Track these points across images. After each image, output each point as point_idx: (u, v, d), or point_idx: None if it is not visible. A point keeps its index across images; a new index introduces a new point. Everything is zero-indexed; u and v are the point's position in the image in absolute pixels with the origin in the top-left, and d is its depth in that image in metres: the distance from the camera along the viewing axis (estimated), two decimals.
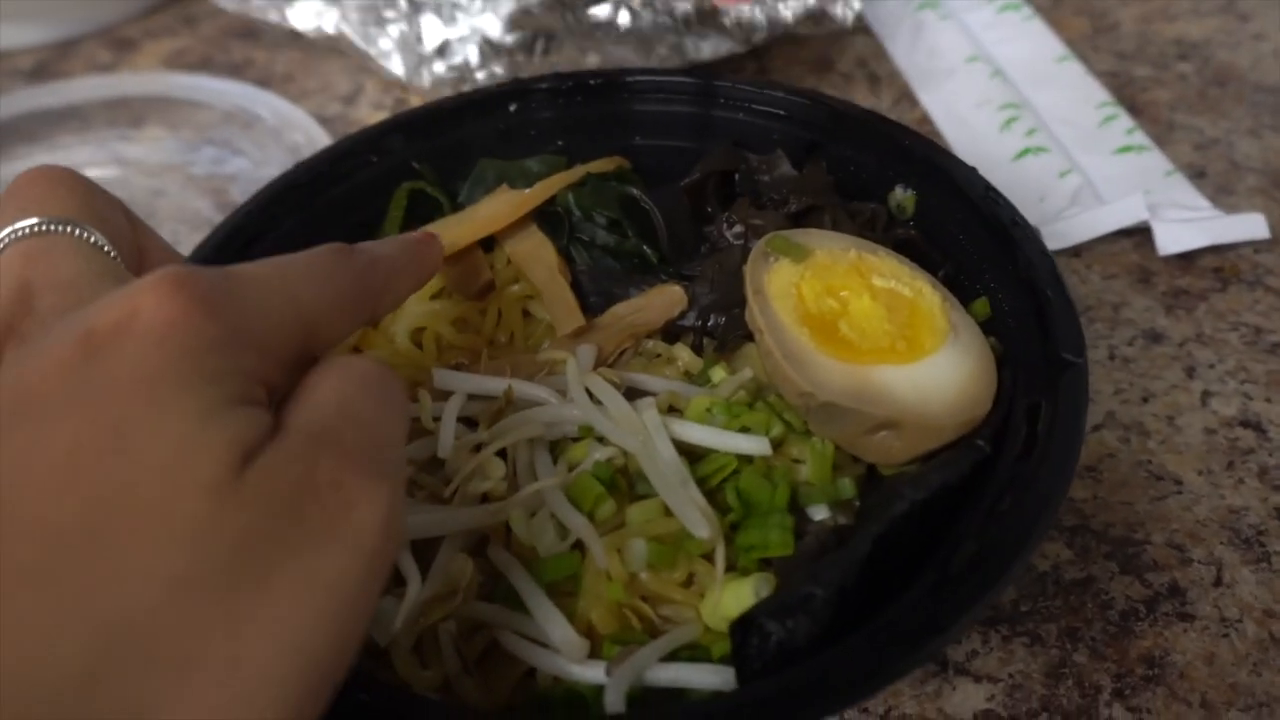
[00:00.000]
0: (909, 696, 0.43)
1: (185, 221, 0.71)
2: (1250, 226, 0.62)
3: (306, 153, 0.70)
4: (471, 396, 0.45)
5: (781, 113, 0.55)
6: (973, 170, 0.50)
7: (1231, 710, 0.42)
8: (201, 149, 0.78)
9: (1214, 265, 0.62)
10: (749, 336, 0.47)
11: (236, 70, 0.82)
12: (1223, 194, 0.67)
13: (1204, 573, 0.47)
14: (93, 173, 0.75)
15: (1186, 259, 0.62)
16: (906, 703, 0.43)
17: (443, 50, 0.74)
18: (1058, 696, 0.43)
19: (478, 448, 0.42)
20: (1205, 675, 0.43)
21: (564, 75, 0.58)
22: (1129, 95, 0.76)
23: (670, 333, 0.51)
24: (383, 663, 0.39)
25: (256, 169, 0.75)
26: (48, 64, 0.92)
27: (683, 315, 0.50)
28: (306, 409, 0.28)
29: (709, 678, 0.37)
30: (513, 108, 0.57)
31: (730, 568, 0.40)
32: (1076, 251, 0.64)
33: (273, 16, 0.79)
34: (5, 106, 0.80)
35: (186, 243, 0.67)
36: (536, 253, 0.52)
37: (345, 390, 0.29)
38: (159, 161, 0.78)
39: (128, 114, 0.81)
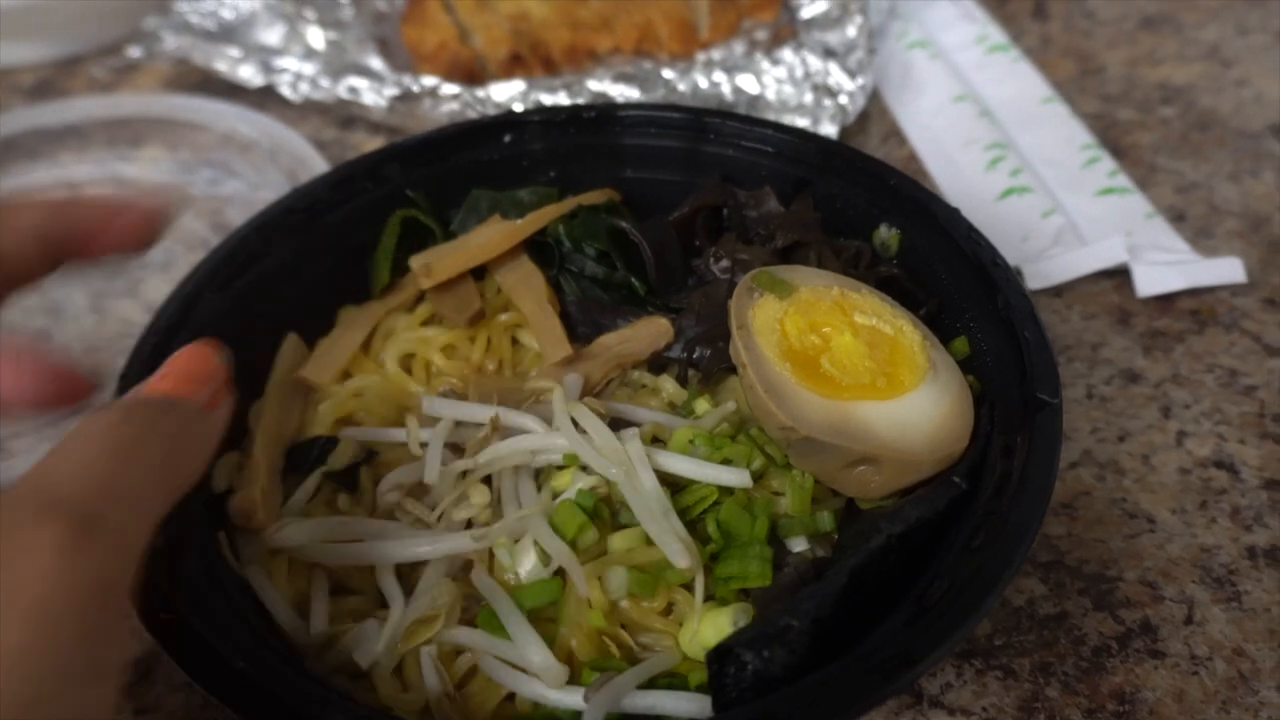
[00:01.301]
0: None
1: (181, 241, 0.72)
2: (1227, 270, 0.63)
3: (302, 176, 0.71)
4: (458, 423, 0.45)
5: (770, 149, 0.56)
6: (955, 211, 0.51)
7: None
8: (199, 170, 0.79)
9: (1192, 308, 0.63)
10: (733, 369, 0.48)
11: (235, 93, 0.83)
12: (1202, 237, 0.68)
13: (1176, 610, 0.48)
14: (90, 191, 0.76)
15: (1165, 301, 0.63)
16: None
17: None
18: None
19: (464, 474, 0.43)
20: (1175, 712, 0.44)
21: (558, 108, 0.59)
22: (1113, 137, 0.78)
23: (656, 364, 0.51)
24: (364, 685, 0.39)
25: (252, 191, 0.76)
26: (49, 82, 0.93)
27: (669, 347, 0.51)
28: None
29: (685, 705, 0.38)
30: (506, 138, 0.58)
31: (709, 597, 0.41)
32: (1058, 291, 0.65)
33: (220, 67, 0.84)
34: (6, 124, 0.81)
35: (182, 263, 0.68)
36: (526, 282, 0.53)
37: (64, 441, 0.29)
38: (156, 181, 0.78)
39: (127, 134, 0.82)
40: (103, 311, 0.66)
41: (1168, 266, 0.64)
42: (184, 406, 0.34)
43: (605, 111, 0.59)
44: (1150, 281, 0.63)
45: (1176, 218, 0.70)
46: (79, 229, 0.36)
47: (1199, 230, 0.69)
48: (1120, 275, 0.65)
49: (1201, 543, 0.50)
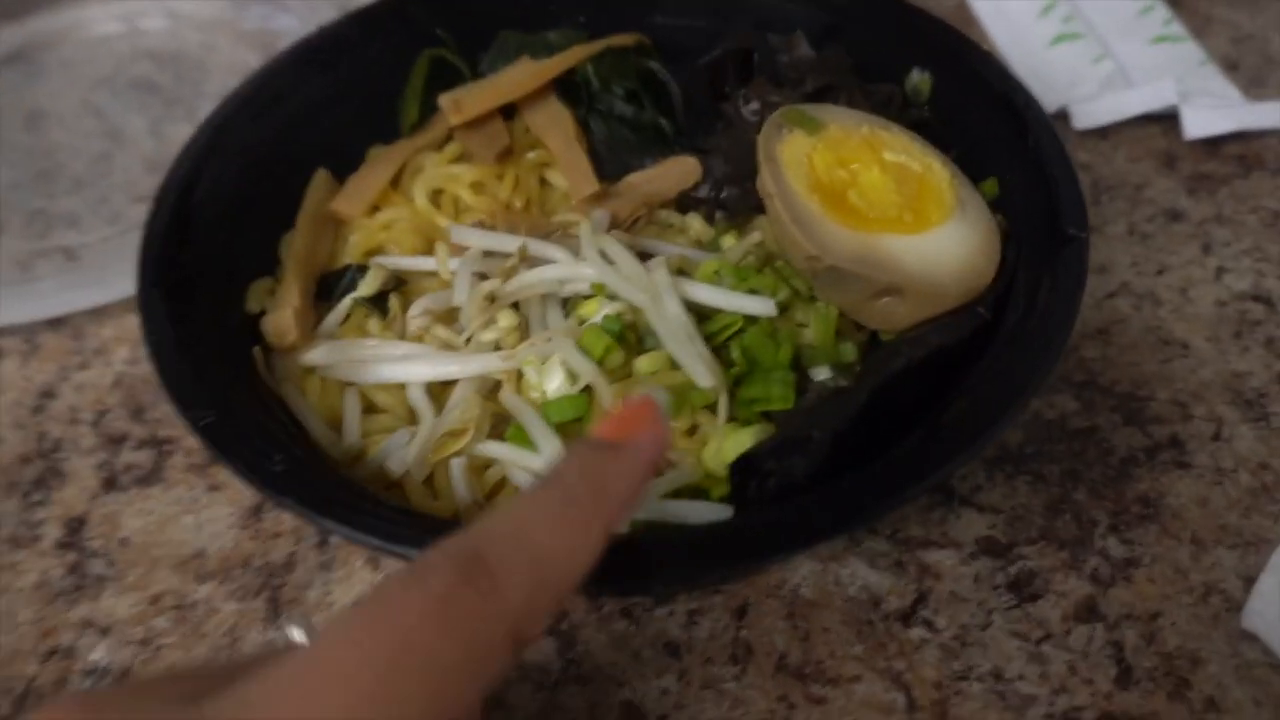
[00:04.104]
0: (915, 521, 0.45)
1: (236, 74, 0.71)
2: (1278, 115, 0.62)
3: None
4: (487, 254, 0.46)
5: None
6: (988, 54, 0.50)
7: (1219, 548, 0.44)
8: (250, 5, 0.78)
9: (1238, 153, 0.62)
10: (760, 209, 0.48)
11: None
12: (1254, 86, 0.66)
13: (1204, 428, 0.48)
14: (145, 24, 0.77)
15: (1212, 145, 0.62)
16: (912, 526, 0.45)
17: None
18: (1055, 528, 0.45)
19: (492, 300, 0.44)
20: (1197, 516, 0.45)
21: None
22: None
23: (683, 205, 0.51)
24: (396, 494, 0.41)
25: (304, 26, 0.75)
26: None
27: (696, 187, 0.51)
28: None
29: (708, 513, 0.39)
30: None
31: (732, 419, 0.42)
32: (1104, 133, 0.64)
33: None
34: None
35: None
36: (555, 121, 0.52)
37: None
38: (210, 16, 0.78)
39: None
40: (161, 136, 0.69)
41: (1217, 110, 0.62)
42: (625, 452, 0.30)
43: None
44: (1198, 124, 0.62)
45: (1230, 67, 0.68)
46: None
47: (1252, 79, 0.67)
48: (1168, 120, 0.63)
49: (1234, 369, 0.50)
